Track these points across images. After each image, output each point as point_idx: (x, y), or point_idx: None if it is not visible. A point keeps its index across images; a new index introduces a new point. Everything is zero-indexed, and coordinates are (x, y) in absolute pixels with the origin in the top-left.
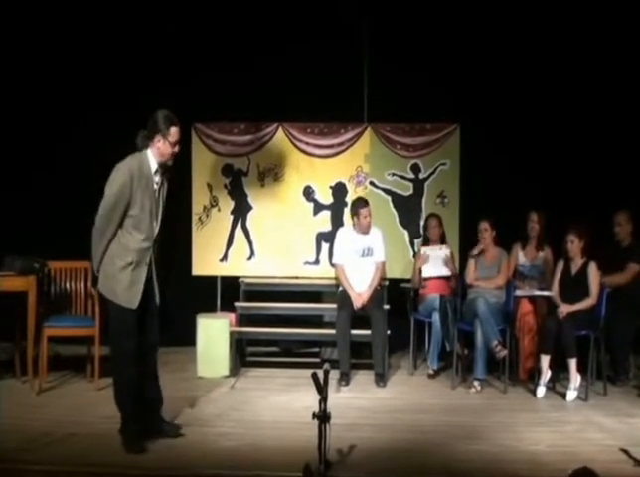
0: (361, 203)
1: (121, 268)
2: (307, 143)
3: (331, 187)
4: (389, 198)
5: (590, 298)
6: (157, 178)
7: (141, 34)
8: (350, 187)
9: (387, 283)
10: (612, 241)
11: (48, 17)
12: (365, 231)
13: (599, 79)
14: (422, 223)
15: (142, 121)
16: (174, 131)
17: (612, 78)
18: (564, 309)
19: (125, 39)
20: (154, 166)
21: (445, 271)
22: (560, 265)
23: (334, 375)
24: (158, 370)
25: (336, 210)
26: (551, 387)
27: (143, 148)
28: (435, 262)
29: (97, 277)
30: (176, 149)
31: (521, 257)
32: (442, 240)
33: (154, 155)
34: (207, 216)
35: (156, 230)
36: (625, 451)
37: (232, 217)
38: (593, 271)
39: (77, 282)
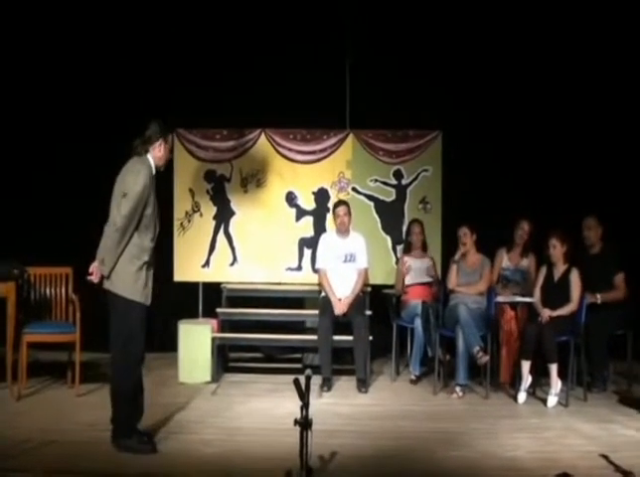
0: (338, 202)
1: (139, 267)
2: (290, 149)
3: (313, 193)
4: (371, 204)
5: (572, 304)
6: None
7: (123, 39)
8: (332, 193)
9: (369, 289)
10: (581, 247)
11: (31, 22)
12: (342, 231)
13: (579, 86)
14: (405, 228)
15: (124, 127)
16: (171, 138)
17: (591, 86)
18: (546, 313)
19: (108, 44)
20: (154, 170)
21: (427, 278)
22: (543, 271)
23: (316, 381)
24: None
25: (318, 216)
26: (531, 392)
27: (143, 153)
28: (417, 270)
29: (106, 276)
30: (171, 156)
31: (505, 261)
32: (424, 248)
33: (153, 160)
34: (189, 221)
35: (158, 229)
36: (605, 457)
37: (214, 222)
38: (575, 277)
39: (57, 288)
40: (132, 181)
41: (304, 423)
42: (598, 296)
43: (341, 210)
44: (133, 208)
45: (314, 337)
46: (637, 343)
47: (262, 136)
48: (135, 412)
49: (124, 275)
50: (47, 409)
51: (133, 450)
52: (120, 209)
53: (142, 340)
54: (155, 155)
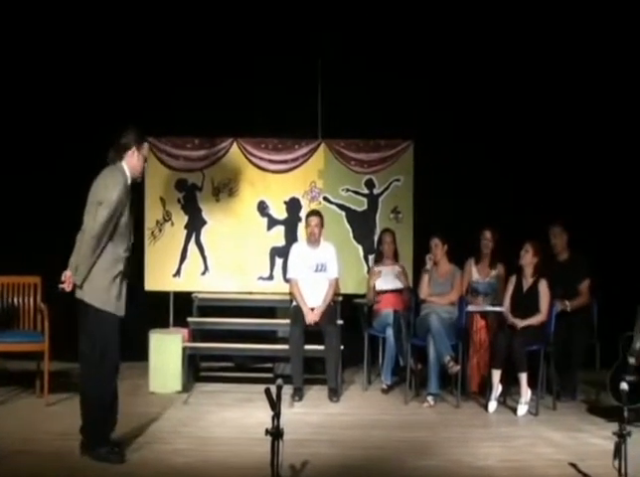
0: (310, 212)
1: (113, 278)
2: (261, 158)
3: (285, 202)
4: (343, 213)
5: (540, 314)
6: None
7: (95, 48)
8: (304, 202)
9: (340, 299)
10: (549, 255)
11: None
12: (313, 241)
13: (549, 97)
14: (376, 238)
15: (94, 135)
16: (144, 146)
17: (560, 97)
18: (519, 321)
19: (79, 52)
20: (130, 179)
21: (398, 284)
22: (513, 280)
23: (287, 390)
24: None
25: (290, 225)
26: (502, 401)
27: (118, 161)
28: (388, 277)
29: (79, 285)
30: (145, 164)
31: (474, 273)
32: (395, 258)
33: (127, 169)
34: (160, 230)
35: (132, 239)
36: (574, 465)
37: (185, 231)
38: (544, 288)
39: (25, 297)
40: (109, 189)
41: (275, 433)
42: (567, 303)
43: (313, 220)
44: (109, 216)
45: (286, 346)
46: (605, 352)
47: (234, 145)
48: (109, 422)
49: (97, 285)
50: (15, 419)
51: (103, 459)
52: (96, 217)
53: (117, 350)
54: (129, 163)
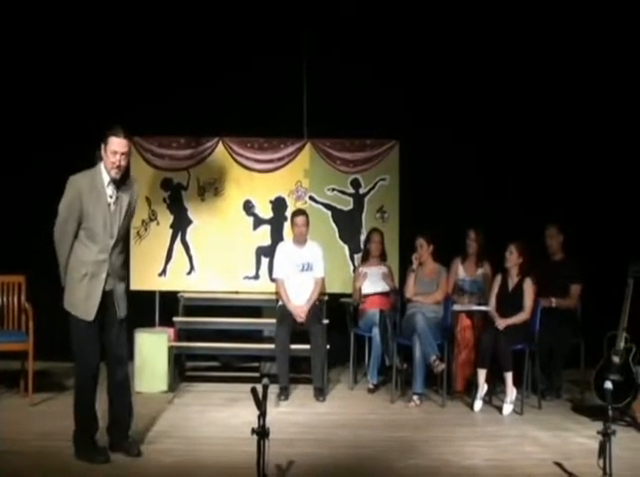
0: (297, 212)
1: (78, 280)
2: (247, 158)
3: (271, 201)
4: (329, 213)
5: (524, 313)
6: (110, 191)
7: (80, 47)
8: (290, 202)
9: (326, 298)
10: (543, 255)
11: None
12: (300, 241)
13: (537, 95)
14: (363, 237)
15: (78, 134)
16: (112, 141)
17: (550, 95)
18: (501, 322)
19: (65, 51)
20: (107, 179)
21: (384, 287)
22: (498, 280)
23: (273, 389)
24: (129, 384)
25: (276, 224)
26: (487, 400)
27: (97, 162)
28: (374, 279)
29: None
30: (115, 159)
31: (461, 272)
32: (382, 257)
33: (105, 168)
34: (145, 230)
35: (111, 242)
36: (559, 465)
37: (171, 231)
38: (528, 286)
39: (9, 296)
40: (64, 194)
41: (261, 432)
42: (553, 300)
43: (300, 220)
44: (60, 221)
45: (272, 346)
46: (590, 351)
47: (220, 145)
48: (93, 423)
49: (67, 288)
50: (0, 419)
51: (87, 459)
52: None
53: (91, 353)
54: (105, 162)
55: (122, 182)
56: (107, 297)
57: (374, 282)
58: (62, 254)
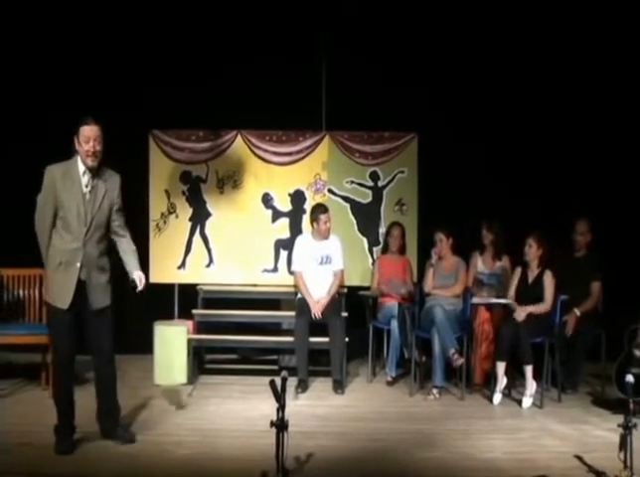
0: (321, 209)
1: (54, 269)
2: (266, 150)
3: (289, 194)
4: (347, 205)
5: (544, 304)
6: (85, 180)
7: (100, 41)
8: (308, 194)
9: (345, 291)
10: (567, 249)
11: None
12: (324, 237)
13: (556, 87)
14: (382, 230)
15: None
16: (83, 129)
17: (570, 88)
18: (521, 311)
19: (83, 45)
20: (82, 169)
21: (401, 290)
22: (518, 272)
23: (292, 382)
24: (115, 377)
25: (294, 217)
26: (507, 393)
27: (75, 153)
28: (392, 277)
29: None
30: (89, 146)
31: (480, 265)
32: (401, 251)
33: (81, 158)
34: (165, 223)
35: (85, 231)
36: (579, 458)
37: (190, 224)
38: (548, 279)
39: (30, 289)
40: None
41: (280, 425)
42: (576, 310)
43: (325, 216)
44: (38, 210)
45: (290, 338)
46: (611, 344)
47: (238, 137)
48: (69, 411)
49: (46, 276)
50: (19, 412)
51: (54, 446)
52: None
53: (65, 342)
54: (80, 153)
55: (100, 172)
56: (83, 287)
57: (393, 284)
58: (42, 243)
